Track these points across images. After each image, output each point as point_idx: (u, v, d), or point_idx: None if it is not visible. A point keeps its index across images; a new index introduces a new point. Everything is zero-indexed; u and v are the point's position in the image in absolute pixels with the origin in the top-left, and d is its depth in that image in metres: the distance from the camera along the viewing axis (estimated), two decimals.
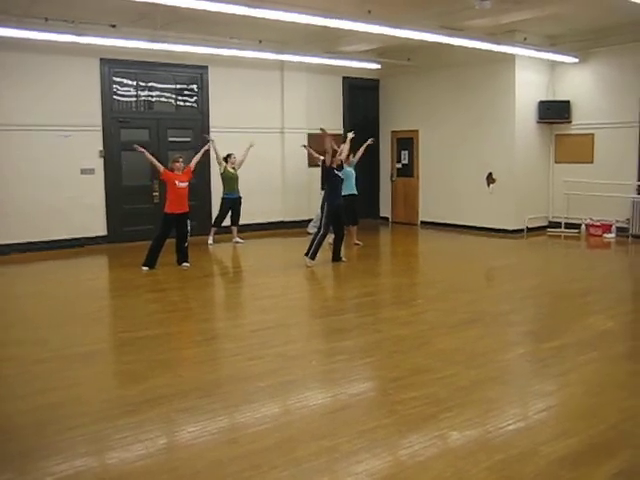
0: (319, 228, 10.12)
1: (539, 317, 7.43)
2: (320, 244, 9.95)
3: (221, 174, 12.28)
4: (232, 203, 12.35)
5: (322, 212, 10.17)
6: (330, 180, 10.08)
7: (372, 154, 15.95)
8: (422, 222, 15.16)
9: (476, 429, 4.11)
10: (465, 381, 4.97)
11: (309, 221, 14.22)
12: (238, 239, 12.41)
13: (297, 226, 13.92)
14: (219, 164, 12.14)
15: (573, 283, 9.03)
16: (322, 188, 10.96)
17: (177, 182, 9.64)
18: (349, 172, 11.12)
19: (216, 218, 12.49)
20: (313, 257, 9.92)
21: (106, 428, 4.19)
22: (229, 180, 12.27)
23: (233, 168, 12.32)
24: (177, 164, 9.77)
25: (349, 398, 4.73)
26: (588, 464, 3.64)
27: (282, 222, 14.31)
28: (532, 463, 3.65)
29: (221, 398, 4.74)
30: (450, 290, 8.47)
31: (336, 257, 10.28)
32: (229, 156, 12.25)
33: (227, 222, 12.41)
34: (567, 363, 5.45)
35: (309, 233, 13.06)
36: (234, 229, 12.50)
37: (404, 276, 9.89)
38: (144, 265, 9.66)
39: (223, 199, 12.39)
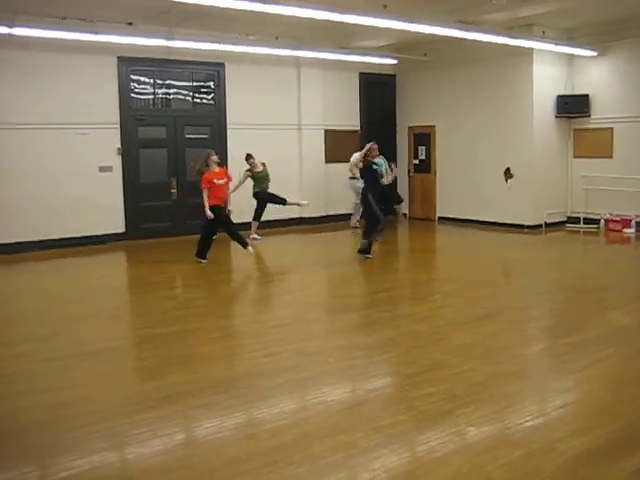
0: (370, 221, 10.31)
1: (557, 313, 7.38)
2: (379, 232, 10.53)
3: (252, 177, 12.20)
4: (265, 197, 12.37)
5: (364, 205, 10.41)
6: (369, 173, 10.38)
7: (389, 150, 15.95)
8: (440, 218, 15.10)
9: (494, 425, 4.10)
10: (482, 377, 4.95)
11: (327, 217, 14.26)
12: (256, 235, 12.42)
13: (315, 222, 13.93)
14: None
15: (591, 279, 8.96)
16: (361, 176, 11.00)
17: (215, 180, 9.91)
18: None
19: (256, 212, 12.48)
20: (369, 250, 10.23)
21: (123, 424, 4.22)
22: (261, 179, 12.25)
23: (263, 164, 12.27)
24: (213, 157, 9.97)
25: (366, 394, 4.74)
26: (605, 461, 3.61)
27: (300, 219, 14.31)
28: (550, 460, 3.63)
29: (238, 394, 4.75)
30: (467, 285, 8.44)
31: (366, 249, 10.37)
32: (250, 156, 12.14)
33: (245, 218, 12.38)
34: (585, 359, 5.41)
35: (355, 227, 13.08)
36: (254, 224, 12.50)
37: (422, 272, 9.87)
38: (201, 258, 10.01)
39: (257, 193, 12.32)
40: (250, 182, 12.21)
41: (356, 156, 12.48)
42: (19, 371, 5.38)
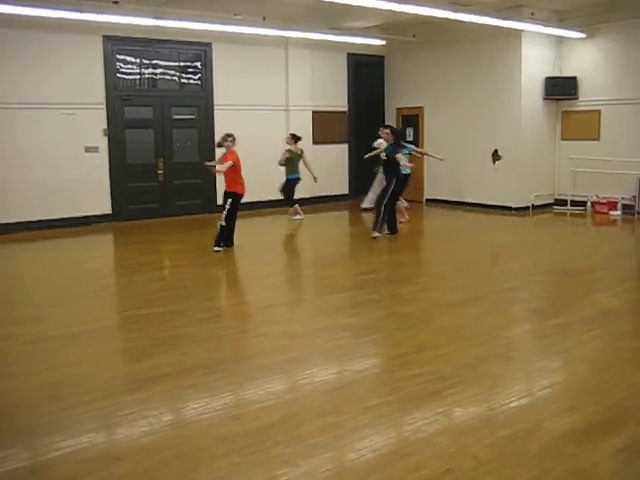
0: (381, 201, 10.45)
1: (544, 294, 7.42)
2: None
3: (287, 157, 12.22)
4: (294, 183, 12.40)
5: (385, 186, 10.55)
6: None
7: (377, 131, 15.90)
8: (427, 200, 15.11)
9: (480, 405, 4.12)
10: (469, 358, 4.97)
11: (316, 198, 14.23)
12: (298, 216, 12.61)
13: (302, 203, 13.88)
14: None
15: (578, 261, 9.00)
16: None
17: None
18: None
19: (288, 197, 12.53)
20: (394, 229, 10.73)
21: (111, 405, 4.22)
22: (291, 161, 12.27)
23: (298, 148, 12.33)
24: (227, 143, 9.52)
25: (353, 375, 4.75)
26: (592, 440, 3.64)
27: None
28: (536, 439, 3.66)
29: (225, 375, 4.76)
30: (455, 268, 8.46)
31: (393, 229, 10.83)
32: (294, 136, 12.29)
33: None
34: (571, 340, 5.44)
35: (366, 209, 13.04)
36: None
37: (409, 254, 9.88)
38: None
39: (288, 180, 12.36)
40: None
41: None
42: (6, 353, 5.36)
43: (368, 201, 13.07)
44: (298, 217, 12.52)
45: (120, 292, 7.76)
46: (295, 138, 12.20)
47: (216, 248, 9.36)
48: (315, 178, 12.35)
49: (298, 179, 12.32)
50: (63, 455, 3.60)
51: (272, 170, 12.36)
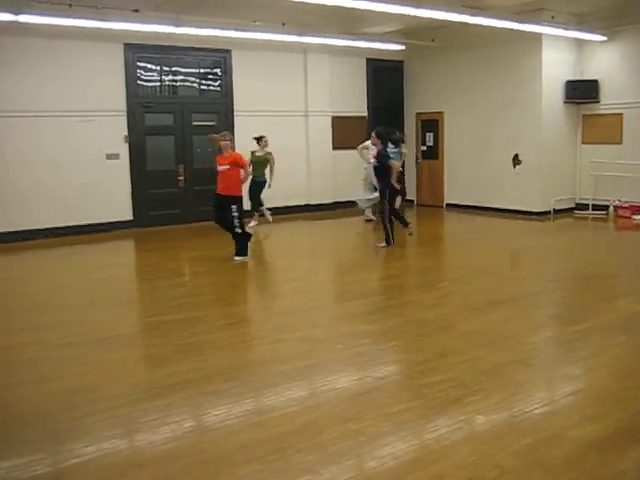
0: (384, 215, 10.04)
1: (566, 300, 7.35)
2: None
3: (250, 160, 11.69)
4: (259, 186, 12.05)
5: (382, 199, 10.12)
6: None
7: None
8: (447, 204, 15.05)
9: (502, 413, 4.09)
10: (491, 364, 4.94)
11: (334, 204, 14.24)
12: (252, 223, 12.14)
13: (323, 209, 13.90)
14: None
15: (600, 265, 8.92)
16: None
17: (217, 165, 9.09)
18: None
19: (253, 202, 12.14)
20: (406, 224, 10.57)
21: (133, 411, 4.24)
22: (258, 164, 11.89)
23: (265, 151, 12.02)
24: (223, 142, 9.05)
25: (375, 381, 4.73)
26: (616, 449, 3.60)
27: (307, 205, 14.30)
28: (559, 447, 3.62)
29: (247, 381, 4.76)
30: (476, 272, 8.41)
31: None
32: (261, 138, 11.95)
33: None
34: (594, 346, 5.39)
35: (368, 220, 12.94)
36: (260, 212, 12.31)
37: (430, 259, 9.85)
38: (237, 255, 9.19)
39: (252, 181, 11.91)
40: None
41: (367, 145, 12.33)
42: (32, 359, 5.39)
43: (363, 203, 12.92)
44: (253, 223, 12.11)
45: (141, 298, 7.80)
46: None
47: (241, 258, 9.11)
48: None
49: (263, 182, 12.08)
50: (84, 462, 3.62)
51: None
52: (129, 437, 3.96)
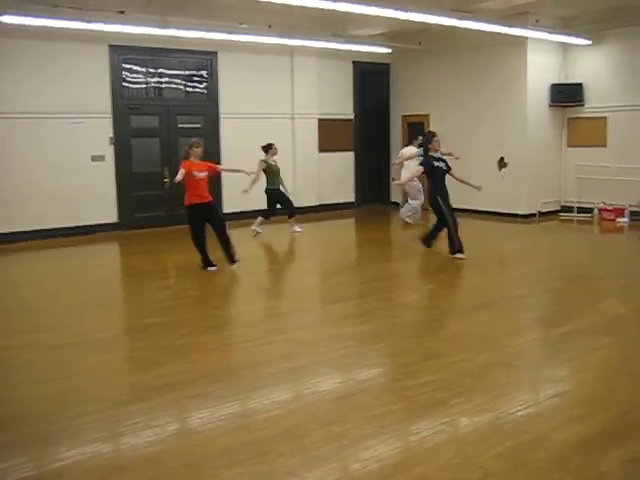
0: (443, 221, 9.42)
1: (551, 302, 7.39)
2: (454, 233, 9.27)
3: (263, 169, 11.54)
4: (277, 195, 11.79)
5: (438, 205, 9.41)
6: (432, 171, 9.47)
7: (382, 139, 15.93)
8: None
9: (486, 415, 4.10)
10: (476, 366, 4.95)
11: (320, 207, 14.24)
12: (296, 228, 12.00)
13: (308, 211, 13.87)
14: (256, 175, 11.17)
15: (585, 268, 8.97)
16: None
17: (195, 172, 8.52)
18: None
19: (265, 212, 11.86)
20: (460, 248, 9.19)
21: (117, 414, 4.21)
22: (271, 172, 11.66)
23: (274, 160, 11.77)
24: (196, 150, 8.65)
25: (359, 384, 4.73)
26: (600, 450, 3.61)
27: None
28: (543, 449, 3.63)
29: (231, 384, 4.75)
30: (461, 275, 8.44)
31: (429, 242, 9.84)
32: (270, 146, 11.70)
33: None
34: (579, 349, 5.42)
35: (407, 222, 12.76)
36: (260, 219, 11.89)
37: (415, 261, 9.85)
38: (207, 266, 8.75)
39: (267, 191, 11.74)
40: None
41: (412, 150, 12.21)
42: (14, 363, 5.35)
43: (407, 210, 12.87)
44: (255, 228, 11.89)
45: (126, 301, 7.77)
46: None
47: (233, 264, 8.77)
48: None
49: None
50: (68, 465, 3.59)
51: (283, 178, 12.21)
52: (113, 440, 3.94)
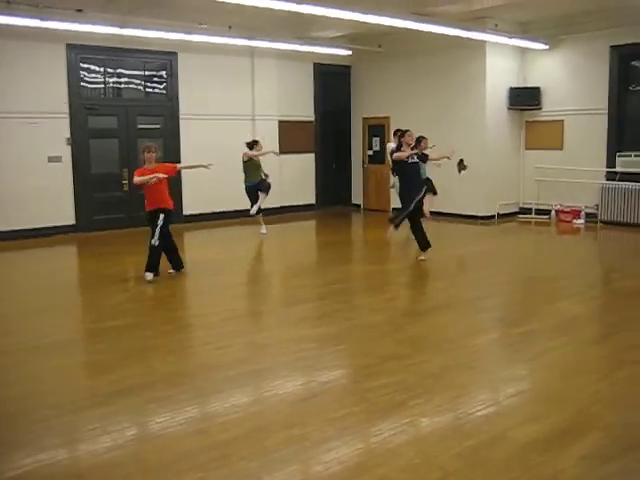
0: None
1: (510, 303, 7.47)
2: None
3: (244, 162, 11.58)
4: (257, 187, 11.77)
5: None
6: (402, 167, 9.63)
7: (343, 141, 15.98)
8: (394, 209, 15.12)
9: (446, 415, 4.12)
10: (435, 367, 4.98)
11: (281, 208, 14.22)
12: (263, 229, 12.04)
13: (270, 214, 13.82)
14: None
15: (543, 269, 9.09)
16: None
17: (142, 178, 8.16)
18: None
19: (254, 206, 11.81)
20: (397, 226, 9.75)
21: (74, 420, 4.14)
22: (254, 167, 11.70)
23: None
24: (148, 155, 8.34)
25: (319, 386, 4.72)
26: (557, 448, 3.66)
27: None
28: (502, 448, 3.66)
29: (191, 388, 4.70)
30: (421, 277, 8.49)
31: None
32: (256, 142, 11.71)
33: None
34: (537, 348, 5.48)
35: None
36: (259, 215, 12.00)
37: (376, 263, 9.88)
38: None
39: (247, 189, 11.76)
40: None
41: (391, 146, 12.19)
42: None
43: None
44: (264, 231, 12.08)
45: (84, 304, 7.65)
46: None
47: (148, 275, 8.21)
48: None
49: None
50: (23, 474, 3.50)
51: (241, 179, 12.16)
52: (69, 447, 3.86)
